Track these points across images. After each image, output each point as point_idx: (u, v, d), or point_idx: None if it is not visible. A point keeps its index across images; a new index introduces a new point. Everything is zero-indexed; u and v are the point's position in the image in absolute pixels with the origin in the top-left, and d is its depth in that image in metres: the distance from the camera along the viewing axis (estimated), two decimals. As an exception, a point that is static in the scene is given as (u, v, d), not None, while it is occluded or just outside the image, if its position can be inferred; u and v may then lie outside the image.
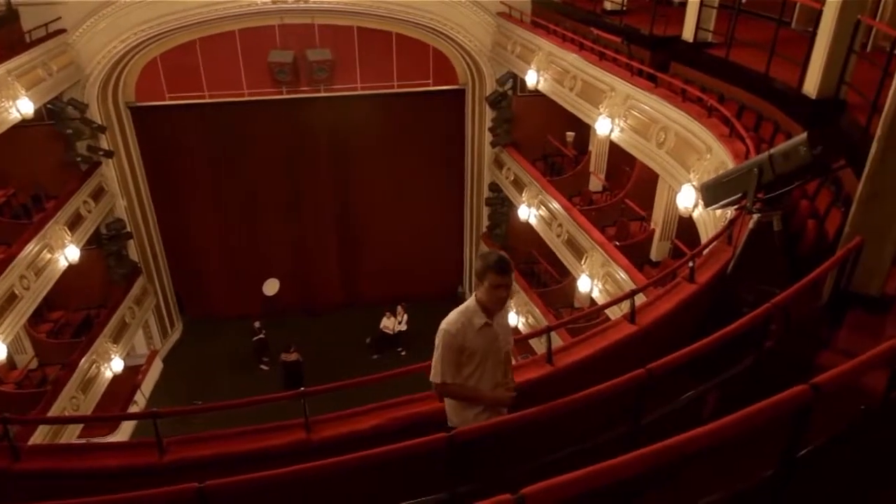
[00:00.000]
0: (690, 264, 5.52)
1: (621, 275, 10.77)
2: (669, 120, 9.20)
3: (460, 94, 16.48)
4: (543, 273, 15.76)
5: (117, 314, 14.92)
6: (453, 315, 3.54)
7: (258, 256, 17.88)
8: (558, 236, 13.24)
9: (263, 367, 16.56)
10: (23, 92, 11.78)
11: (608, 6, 12.36)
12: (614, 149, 12.59)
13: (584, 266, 12.05)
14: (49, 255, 12.57)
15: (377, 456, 2.97)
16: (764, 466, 2.51)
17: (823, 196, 6.18)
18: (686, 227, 10.10)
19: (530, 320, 14.62)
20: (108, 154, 14.83)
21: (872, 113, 5.32)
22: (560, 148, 15.70)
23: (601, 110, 10.94)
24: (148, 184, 16.35)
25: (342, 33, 15.23)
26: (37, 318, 13.91)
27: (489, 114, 16.16)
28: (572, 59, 11.85)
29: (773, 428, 2.28)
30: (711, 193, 5.21)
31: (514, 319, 14.71)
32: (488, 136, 16.46)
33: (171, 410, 7.60)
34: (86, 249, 14.20)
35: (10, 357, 13.37)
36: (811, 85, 6.91)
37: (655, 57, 10.38)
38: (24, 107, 11.74)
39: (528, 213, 14.57)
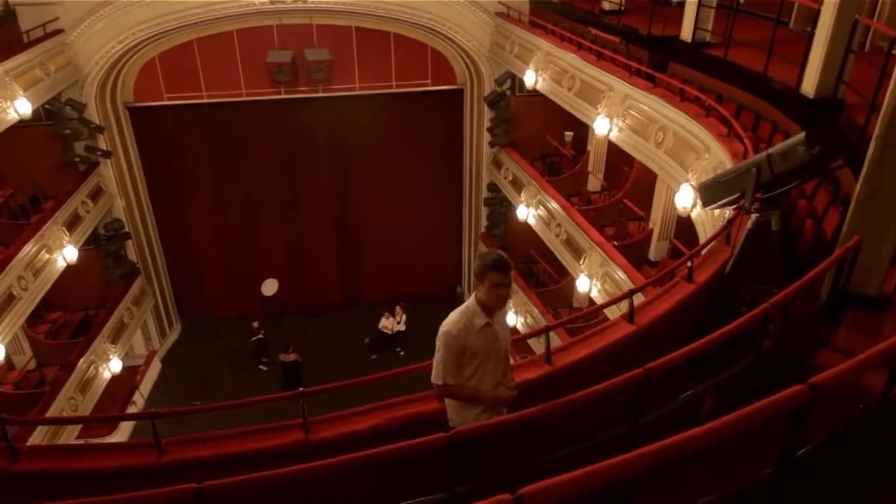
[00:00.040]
0: (689, 264, 5.52)
1: (620, 275, 10.77)
2: (668, 120, 9.21)
3: (459, 94, 16.48)
4: (542, 273, 15.76)
5: (115, 315, 14.91)
6: (454, 316, 3.54)
7: (256, 256, 17.88)
8: (557, 236, 13.25)
9: (262, 367, 16.55)
10: (21, 92, 11.76)
11: (606, 6, 12.37)
12: (613, 149, 12.60)
13: (582, 266, 12.06)
14: (47, 256, 12.56)
15: (376, 456, 2.97)
16: (762, 466, 2.51)
17: (822, 196, 6.19)
18: (684, 226, 10.11)
19: (529, 320, 14.63)
20: (107, 154, 14.81)
21: (870, 112, 5.33)
22: (558, 148, 15.70)
23: (599, 110, 10.94)
24: (146, 184, 16.35)
25: (340, 33, 15.23)
26: (35, 318, 13.89)
27: (488, 114, 16.17)
28: (570, 59, 11.85)
29: (772, 427, 2.28)
30: (710, 193, 5.21)
31: (513, 319, 14.72)
32: (487, 136, 16.46)
33: (169, 411, 7.60)
34: (84, 250, 14.18)
35: (8, 358, 13.34)
36: (809, 84, 6.92)
37: (654, 57, 10.39)
38: (22, 107, 11.72)
39: (526, 213, 14.58)
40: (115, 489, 2.90)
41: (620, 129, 10.51)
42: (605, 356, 4.64)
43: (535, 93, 13.68)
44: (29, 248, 11.94)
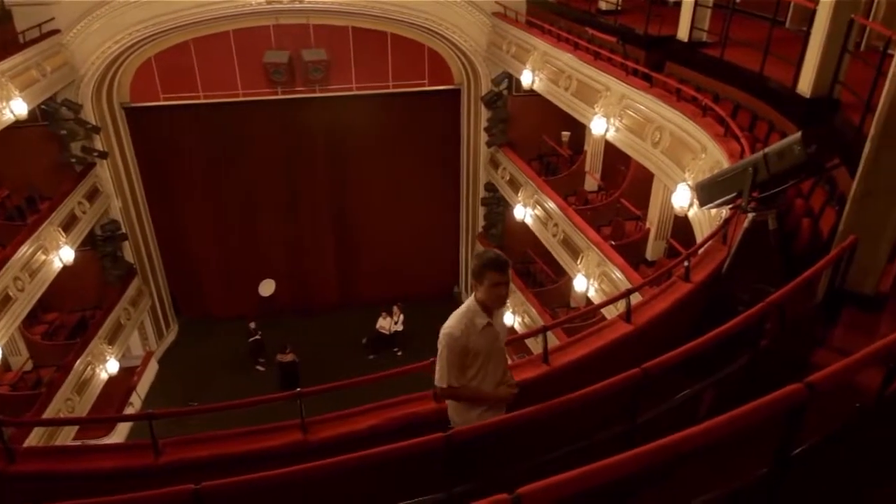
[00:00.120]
0: (686, 263, 5.53)
1: (617, 274, 10.79)
2: (664, 119, 9.22)
3: (456, 94, 16.48)
4: (539, 273, 15.77)
5: (112, 315, 14.87)
6: (454, 319, 3.54)
7: (254, 257, 17.85)
8: (554, 236, 13.26)
9: (259, 367, 16.53)
10: (16, 93, 11.73)
11: (603, 6, 12.37)
12: (610, 148, 12.62)
13: (579, 266, 12.07)
14: (43, 257, 12.53)
15: (374, 456, 2.97)
16: (759, 465, 2.51)
17: (818, 195, 6.21)
18: (681, 226, 10.13)
19: (526, 320, 14.63)
20: (103, 155, 14.77)
21: (866, 112, 5.34)
22: (555, 148, 15.72)
23: (596, 110, 10.95)
24: (143, 185, 16.32)
25: (337, 33, 15.22)
26: (31, 319, 13.86)
27: (485, 114, 16.17)
28: (567, 59, 11.86)
29: (769, 426, 2.29)
30: (706, 193, 5.22)
31: (511, 319, 14.72)
32: (484, 136, 16.47)
33: (166, 412, 7.59)
34: (80, 251, 14.15)
35: (4, 359, 13.30)
36: (805, 84, 6.93)
37: (650, 56, 10.40)
38: (18, 108, 11.68)
39: (523, 212, 14.59)
40: (112, 490, 2.90)
41: (617, 129, 10.52)
42: (603, 356, 4.65)
43: (531, 93, 13.68)
44: (25, 249, 11.91)
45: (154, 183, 16.51)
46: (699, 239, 7.44)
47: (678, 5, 10.07)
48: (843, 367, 2.36)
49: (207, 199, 17.04)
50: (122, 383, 15.00)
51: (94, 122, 14.41)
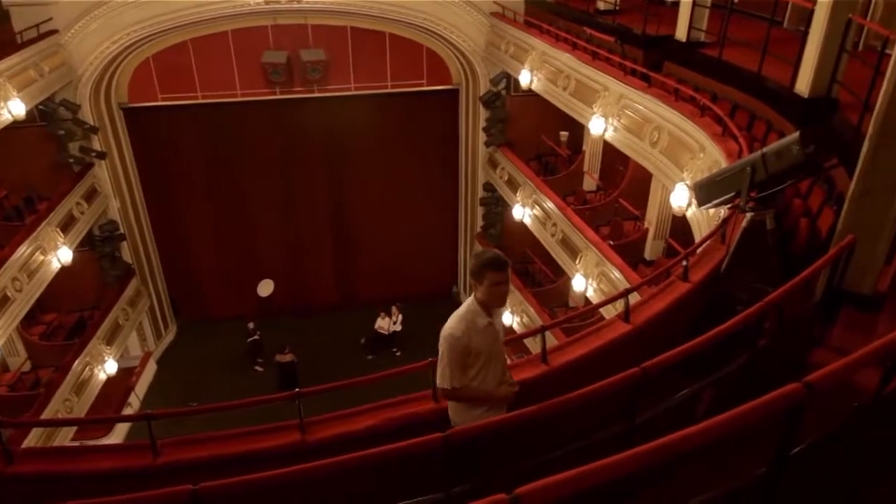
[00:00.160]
0: (684, 263, 5.53)
1: (615, 274, 10.79)
2: (663, 119, 9.22)
3: (454, 93, 16.48)
4: (538, 272, 15.78)
5: (111, 316, 14.85)
6: (455, 319, 3.54)
7: (252, 257, 17.85)
8: (553, 236, 13.27)
9: (258, 368, 16.52)
10: (14, 93, 11.71)
11: (601, 6, 12.38)
12: (608, 148, 12.62)
13: (578, 265, 12.07)
14: (42, 257, 12.51)
15: (373, 456, 2.96)
16: (758, 464, 2.52)
17: (816, 194, 6.22)
18: (680, 226, 10.14)
19: (525, 320, 14.64)
20: (101, 155, 14.76)
21: (864, 112, 5.35)
22: (554, 147, 15.72)
23: (595, 110, 10.95)
24: (141, 185, 16.30)
25: (336, 33, 15.21)
26: (29, 320, 13.84)
27: (483, 113, 16.17)
28: (566, 59, 11.87)
29: (768, 426, 2.29)
30: (705, 192, 5.22)
31: (509, 319, 14.73)
32: (482, 136, 16.47)
33: (165, 412, 7.56)
34: (79, 251, 14.14)
35: (2, 359, 13.32)
36: (803, 84, 6.94)
37: (648, 56, 10.40)
38: (16, 108, 11.67)
39: (522, 212, 14.59)
40: (110, 491, 2.89)
41: (615, 129, 10.52)
42: (601, 355, 4.65)
43: (530, 93, 13.69)
44: (23, 250, 11.89)
45: (152, 183, 16.50)
46: (697, 239, 7.45)
47: (676, 5, 10.08)
48: (841, 367, 2.36)
49: (206, 200, 17.03)
50: (120, 384, 14.99)
51: (92, 123, 14.40)
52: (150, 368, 16.56)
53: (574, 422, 3.67)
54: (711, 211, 6.88)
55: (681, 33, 9.65)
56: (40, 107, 13.33)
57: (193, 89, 15.28)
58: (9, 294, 11.38)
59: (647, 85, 9.73)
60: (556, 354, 4.65)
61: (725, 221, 5.90)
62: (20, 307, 11.81)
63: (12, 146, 13.22)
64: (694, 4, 9.28)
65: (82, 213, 14.21)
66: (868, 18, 7.86)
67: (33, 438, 11.04)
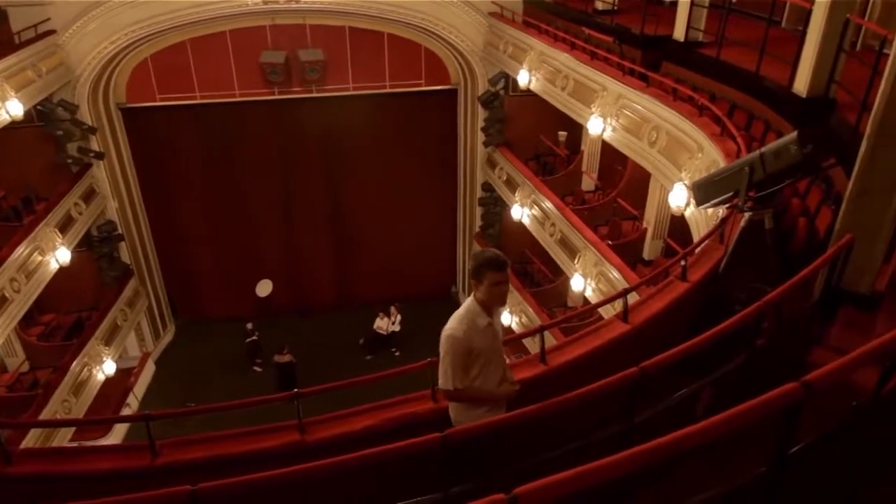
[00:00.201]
0: (683, 263, 5.54)
1: (614, 274, 10.80)
2: (661, 119, 9.23)
3: (452, 94, 16.48)
4: (537, 272, 15.78)
5: (109, 316, 14.83)
6: (455, 320, 3.55)
7: (251, 257, 17.83)
8: (551, 236, 13.27)
9: (256, 368, 16.51)
10: (12, 93, 11.70)
11: (599, 6, 12.38)
12: (606, 148, 12.63)
13: (577, 265, 12.08)
14: (40, 258, 12.49)
15: (371, 456, 2.96)
16: (756, 464, 2.52)
17: (814, 194, 6.22)
18: (678, 225, 10.14)
19: (524, 320, 14.64)
20: (99, 155, 14.74)
21: (862, 111, 5.35)
22: (552, 147, 15.73)
23: (593, 110, 10.96)
24: (139, 185, 16.28)
25: (334, 33, 15.20)
26: (28, 320, 13.82)
27: (482, 113, 16.17)
28: (564, 59, 11.87)
29: (766, 425, 2.29)
30: (703, 192, 5.23)
31: (508, 319, 14.73)
32: (481, 136, 16.47)
33: (163, 413, 7.56)
34: (77, 252, 14.11)
35: (0, 360, 13.30)
36: (801, 84, 6.94)
37: (647, 56, 10.41)
38: (14, 108, 11.65)
39: (520, 212, 14.59)
40: (109, 492, 2.89)
41: (614, 129, 10.53)
42: (600, 355, 4.65)
43: (528, 92, 13.69)
44: (21, 250, 11.87)
45: (150, 183, 16.48)
46: (696, 238, 7.45)
47: (674, 5, 10.08)
48: (839, 366, 2.37)
49: (204, 200, 17.01)
50: (118, 384, 14.96)
51: (90, 123, 14.38)
52: (149, 369, 16.54)
53: (573, 421, 3.67)
54: (710, 210, 6.89)
55: (679, 33, 9.65)
56: (38, 107, 13.31)
57: (192, 89, 15.26)
58: (7, 295, 11.37)
59: (646, 85, 9.74)
60: (555, 354, 4.66)
61: (724, 221, 5.90)
62: (18, 308, 11.79)
63: (10, 147, 13.20)
64: (692, 4, 9.29)
65: (80, 213, 14.19)
66: (866, 18, 7.87)
67: (32, 439, 11.03)
